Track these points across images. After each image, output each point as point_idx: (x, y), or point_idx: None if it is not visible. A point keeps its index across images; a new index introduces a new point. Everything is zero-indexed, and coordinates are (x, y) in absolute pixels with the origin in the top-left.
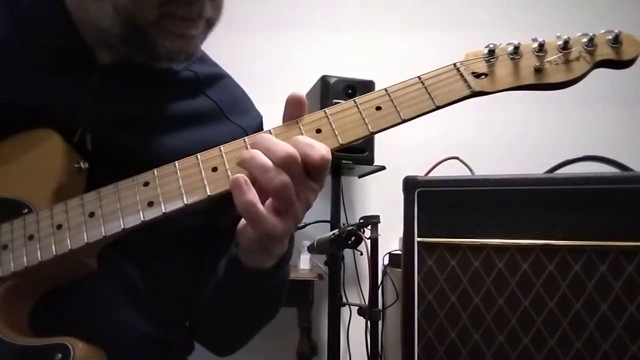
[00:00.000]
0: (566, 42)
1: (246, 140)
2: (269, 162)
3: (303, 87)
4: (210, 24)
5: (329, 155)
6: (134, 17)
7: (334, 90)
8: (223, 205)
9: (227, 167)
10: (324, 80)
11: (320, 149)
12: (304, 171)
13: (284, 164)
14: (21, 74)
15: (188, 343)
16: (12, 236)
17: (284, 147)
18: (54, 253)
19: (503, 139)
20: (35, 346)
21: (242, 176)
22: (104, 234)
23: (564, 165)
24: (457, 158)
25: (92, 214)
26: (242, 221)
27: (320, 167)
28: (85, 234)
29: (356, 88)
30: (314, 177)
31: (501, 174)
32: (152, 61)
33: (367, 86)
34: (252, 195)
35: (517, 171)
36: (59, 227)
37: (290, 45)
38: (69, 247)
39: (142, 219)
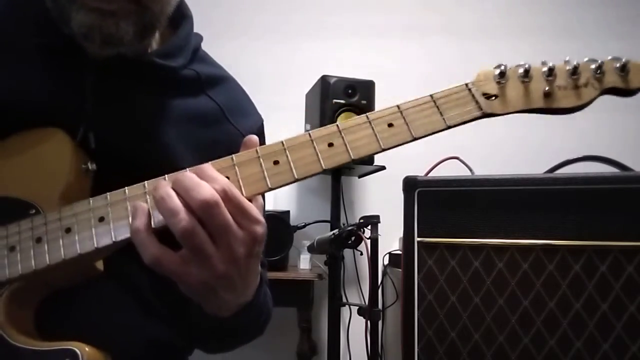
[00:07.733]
0: (575, 68)
1: (258, 151)
2: (178, 205)
3: (303, 87)
4: (139, 3)
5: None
6: None
7: (334, 90)
8: None
9: (239, 176)
10: (324, 80)
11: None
12: (223, 217)
13: (201, 210)
14: (20, 73)
15: (189, 343)
16: (20, 237)
17: (204, 192)
18: (63, 257)
19: (503, 139)
20: (44, 351)
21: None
22: (113, 240)
23: (564, 165)
24: (457, 158)
25: (101, 219)
26: None
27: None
28: (94, 239)
29: (356, 88)
30: (241, 224)
31: (501, 174)
32: (74, 39)
33: (367, 86)
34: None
35: (517, 171)
36: (68, 230)
37: (291, 45)
38: (78, 252)
39: (153, 225)
